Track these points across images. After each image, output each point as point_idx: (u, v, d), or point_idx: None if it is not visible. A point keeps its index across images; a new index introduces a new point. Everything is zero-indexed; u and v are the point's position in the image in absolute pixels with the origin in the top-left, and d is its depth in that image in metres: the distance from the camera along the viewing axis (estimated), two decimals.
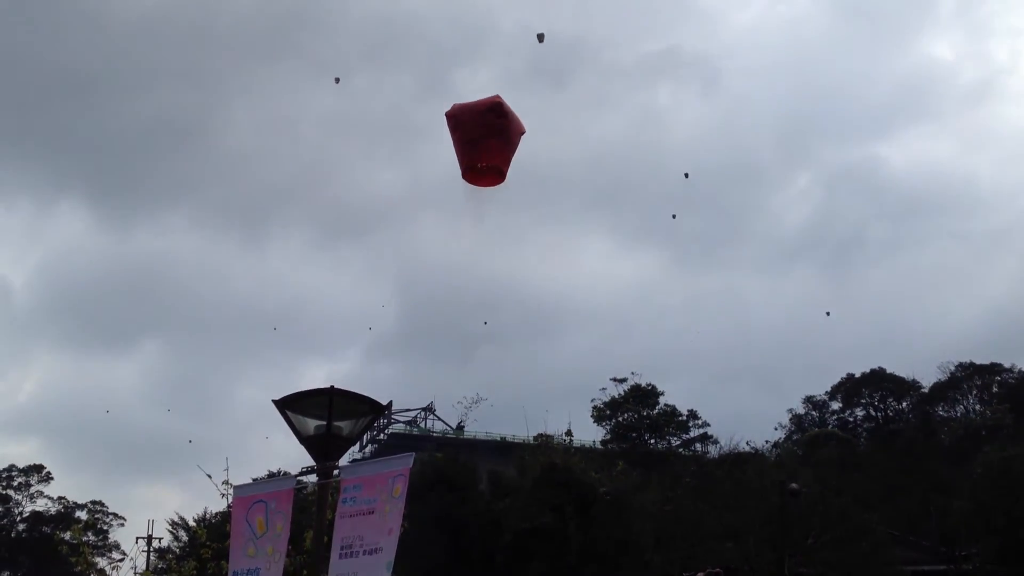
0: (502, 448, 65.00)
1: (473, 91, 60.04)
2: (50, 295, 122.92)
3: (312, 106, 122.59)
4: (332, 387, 8.28)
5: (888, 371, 69.36)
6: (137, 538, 55.31)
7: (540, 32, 31.79)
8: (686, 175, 58.58)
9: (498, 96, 17.91)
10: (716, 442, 58.85)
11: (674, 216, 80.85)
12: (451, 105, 18.18)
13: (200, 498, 76.51)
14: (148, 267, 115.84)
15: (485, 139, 17.84)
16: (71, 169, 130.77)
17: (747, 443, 52.21)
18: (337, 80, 45.74)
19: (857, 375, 70.33)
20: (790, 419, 70.55)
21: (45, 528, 74.69)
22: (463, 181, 18.19)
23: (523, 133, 17.89)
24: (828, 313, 65.52)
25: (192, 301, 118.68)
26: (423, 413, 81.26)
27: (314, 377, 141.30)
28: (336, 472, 8.16)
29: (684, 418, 63.65)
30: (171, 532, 57.47)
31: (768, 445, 61.10)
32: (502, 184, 17.59)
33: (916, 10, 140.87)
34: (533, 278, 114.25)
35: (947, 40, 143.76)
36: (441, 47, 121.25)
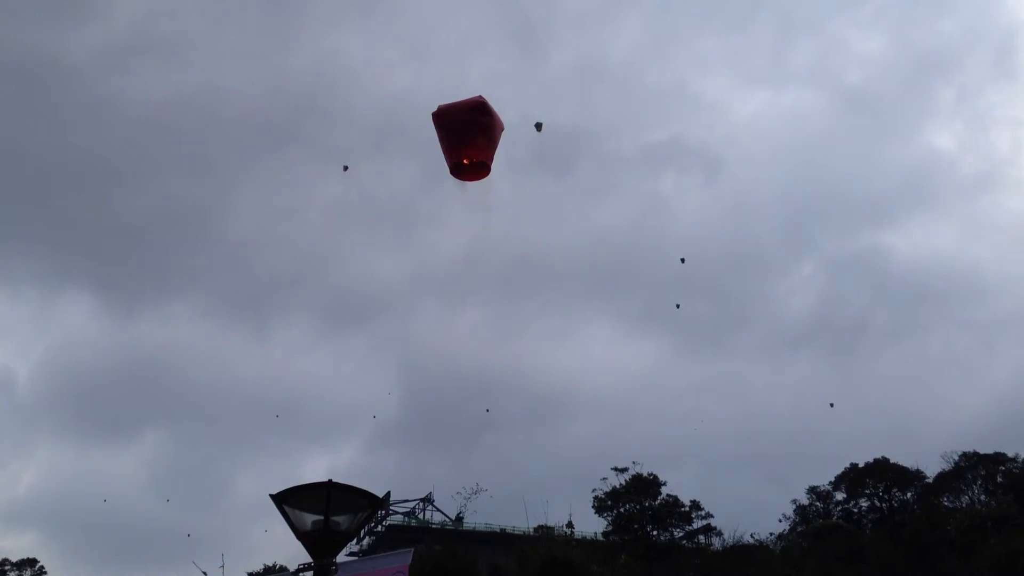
0: (502, 540, 64.00)
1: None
2: (54, 385, 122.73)
3: (317, 194, 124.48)
4: (330, 481, 8.31)
5: (892, 461, 68.78)
6: None
7: (538, 122, 32.22)
8: (682, 260, 59.30)
9: (481, 96, 19.06)
10: (720, 534, 58.00)
11: (678, 306, 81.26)
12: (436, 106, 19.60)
13: None
14: (151, 356, 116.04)
15: (472, 136, 19.10)
16: (76, 258, 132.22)
17: (751, 535, 51.44)
18: (345, 168, 46.49)
19: (861, 465, 69.71)
20: (794, 510, 69.66)
21: None
22: (451, 176, 19.66)
23: (503, 130, 18.98)
24: (832, 405, 65.43)
25: (195, 390, 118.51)
26: (421, 504, 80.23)
27: (316, 466, 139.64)
28: (334, 568, 8.15)
29: (687, 509, 62.77)
30: None
31: (772, 537, 60.22)
32: (487, 178, 19.57)
33: (917, 101, 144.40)
34: (536, 365, 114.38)
35: (949, 131, 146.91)
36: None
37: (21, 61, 49.59)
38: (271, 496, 8.39)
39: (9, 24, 48.70)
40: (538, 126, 33.78)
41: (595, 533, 63.27)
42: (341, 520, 8.21)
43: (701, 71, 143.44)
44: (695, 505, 63.18)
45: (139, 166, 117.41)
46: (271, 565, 50.45)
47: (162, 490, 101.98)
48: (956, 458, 67.61)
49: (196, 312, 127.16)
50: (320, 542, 8.15)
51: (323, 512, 8.14)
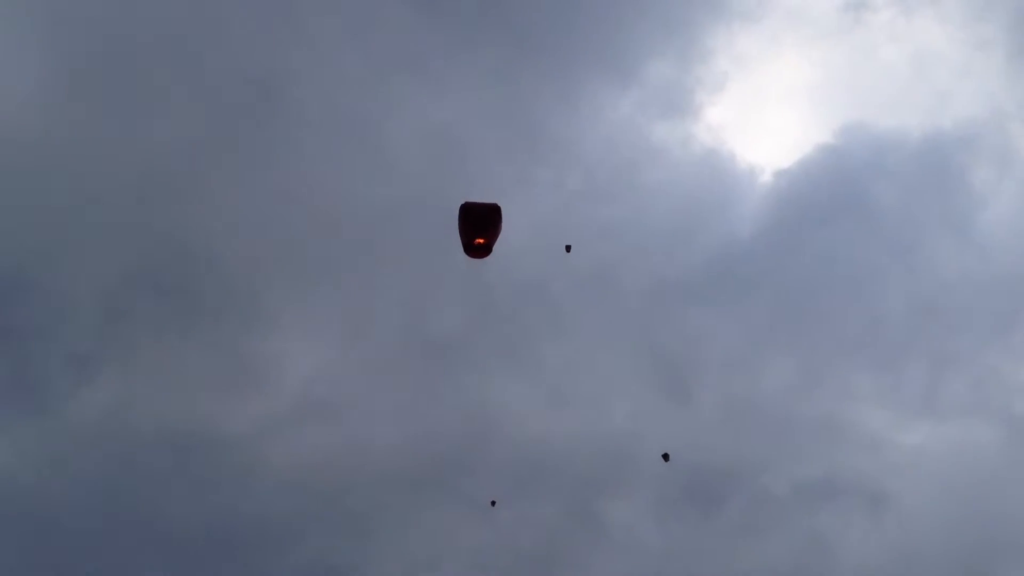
0: None
1: (620, 521, 62.74)
2: None
3: (458, 543, 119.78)
4: None
5: None
6: None
7: (665, 452, 35.61)
8: None
9: (496, 203, 28.71)
10: None
11: None
12: (464, 201, 29.00)
13: None
14: None
15: (487, 229, 28.46)
16: None
17: None
18: (493, 503, 47.01)
19: None
20: None
21: None
22: (464, 255, 29.06)
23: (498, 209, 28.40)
24: None
25: None
26: None
27: None
28: None
29: None
30: None
31: None
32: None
33: None
34: None
35: None
36: (587, 478, 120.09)
37: (188, 440, 52.34)
38: None
39: (180, 401, 52.16)
40: (665, 456, 38.52)
41: None
42: None
43: (854, 405, 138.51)
44: None
45: (282, 527, 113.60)
46: None
47: None
48: None
49: None
50: None
51: None
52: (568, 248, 39.04)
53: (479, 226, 28.42)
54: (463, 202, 28.88)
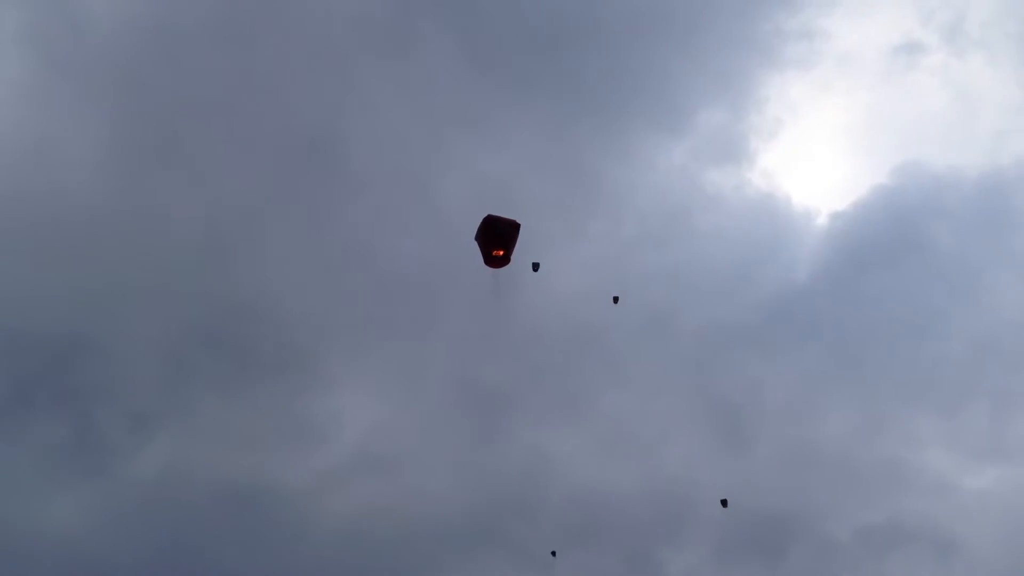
0: None
1: (680, 569, 62.33)
2: None
3: None
4: None
5: None
6: None
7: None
8: None
9: (517, 220, 30.96)
10: None
11: None
12: (486, 214, 31.13)
13: None
14: None
15: (506, 241, 30.74)
16: None
17: None
18: (553, 553, 46.92)
19: None
20: None
21: None
22: (484, 265, 31.38)
23: (519, 227, 30.81)
24: None
25: None
26: None
27: None
28: None
29: None
30: None
31: None
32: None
33: None
34: None
35: None
36: (646, 526, 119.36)
37: (247, 494, 53.14)
38: None
39: (240, 457, 53.15)
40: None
41: None
42: None
43: (917, 448, 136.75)
44: None
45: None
46: None
47: None
48: None
49: None
50: None
51: None
52: (616, 299, 40.11)
53: (499, 240, 30.64)
54: (487, 215, 30.91)
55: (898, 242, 67.92)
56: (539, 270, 39.60)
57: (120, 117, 58.15)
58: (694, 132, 69.90)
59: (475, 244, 32.40)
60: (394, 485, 59.91)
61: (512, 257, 32.17)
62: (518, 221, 31.26)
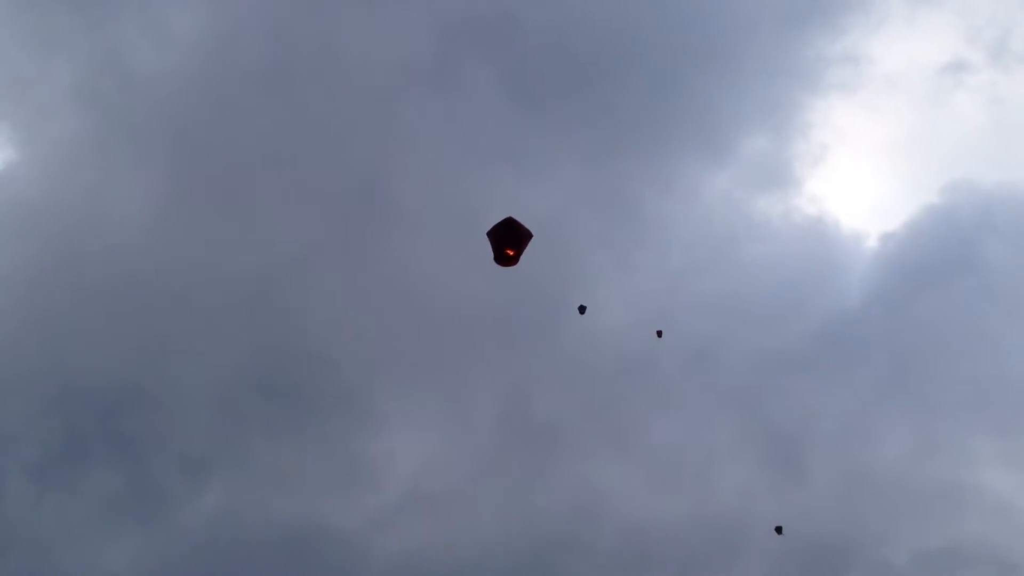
0: None
1: None
2: None
3: None
4: None
5: None
6: None
7: (778, 526, 35.74)
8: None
9: (530, 231, 32.17)
10: None
11: None
12: (507, 216, 31.76)
13: None
14: None
15: (518, 244, 31.95)
16: None
17: None
18: None
19: None
20: None
21: None
22: (494, 262, 32.20)
23: (531, 237, 32.10)
24: None
25: None
26: None
27: None
28: None
29: None
30: None
31: None
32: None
33: None
34: None
35: None
36: (699, 557, 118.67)
37: (300, 537, 53.47)
38: None
39: (293, 502, 53.67)
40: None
41: None
42: None
43: (976, 470, 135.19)
44: None
45: None
46: None
47: None
48: None
49: None
50: None
51: None
52: (660, 334, 40.16)
53: (514, 242, 32.16)
54: (508, 216, 32.21)
55: (951, 261, 67.00)
56: (585, 312, 39.88)
57: (172, 171, 58.82)
58: (738, 160, 69.82)
59: (488, 241, 33.61)
60: (444, 522, 59.81)
61: (520, 260, 33.43)
62: (533, 233, 32.96)
